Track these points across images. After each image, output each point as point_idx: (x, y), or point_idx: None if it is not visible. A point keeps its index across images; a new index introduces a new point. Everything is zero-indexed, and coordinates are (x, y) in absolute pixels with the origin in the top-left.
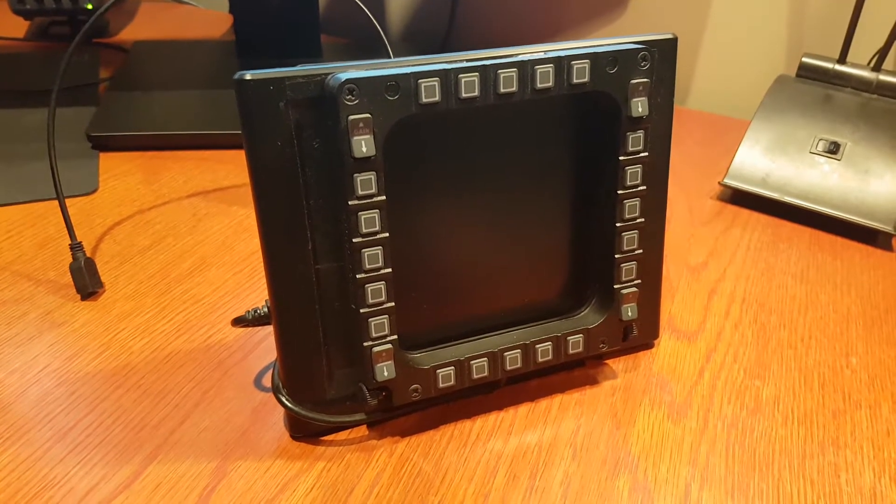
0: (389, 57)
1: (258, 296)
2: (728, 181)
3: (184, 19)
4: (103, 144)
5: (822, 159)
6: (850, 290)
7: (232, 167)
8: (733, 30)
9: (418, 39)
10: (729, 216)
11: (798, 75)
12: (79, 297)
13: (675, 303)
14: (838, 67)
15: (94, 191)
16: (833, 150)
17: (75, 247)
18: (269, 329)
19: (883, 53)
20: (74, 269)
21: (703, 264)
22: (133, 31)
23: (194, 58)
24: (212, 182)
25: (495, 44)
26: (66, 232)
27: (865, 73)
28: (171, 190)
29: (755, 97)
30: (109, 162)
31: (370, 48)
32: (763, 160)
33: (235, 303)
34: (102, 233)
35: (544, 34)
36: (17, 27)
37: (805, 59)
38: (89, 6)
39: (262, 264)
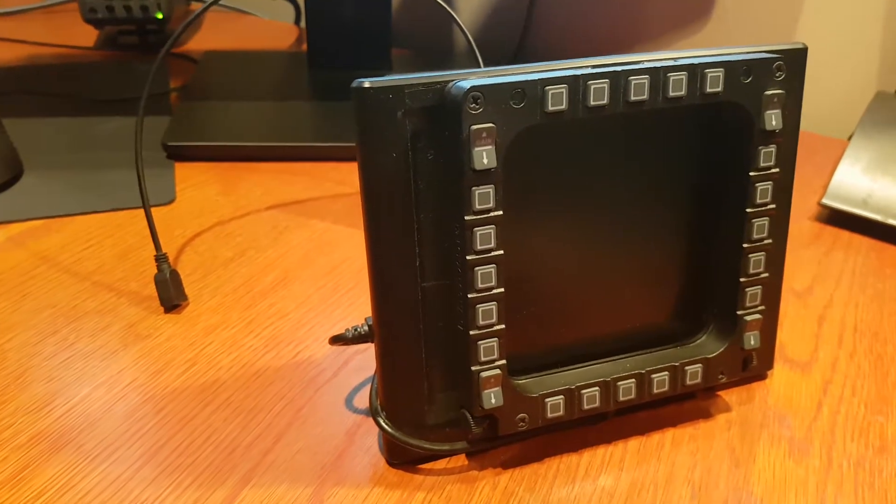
0: (479, 65)
1: (342, 312)
2: (827, 201)
3: (248, 30)
4: (179, 154)
5: None
6: None
7: (307, 179)
8: (822, 45)
9: (489, 49)
10: (829, 238)
11: None
12: (162, 309)
13: (784, 330)
14: None
15: (172, 201)
16: None
17: (160, 258)
18: (358, 347)
19: None
20: (160, 281)
21: (809, 289)
22: (199, 41)
23: (264, 68)
24: (289, 194)
25: (570, 55)
26: (146, 242)
27: None
28: (249, 202)
29: (844, 116)
30: (185, 172)
31: (438, 59)
32: (864, 180)
33: (321, 319)
34: (183, 244)
35: (621, 45)
36: (87, 36)
37: None
38: (159, 15)
39: (345, 279)
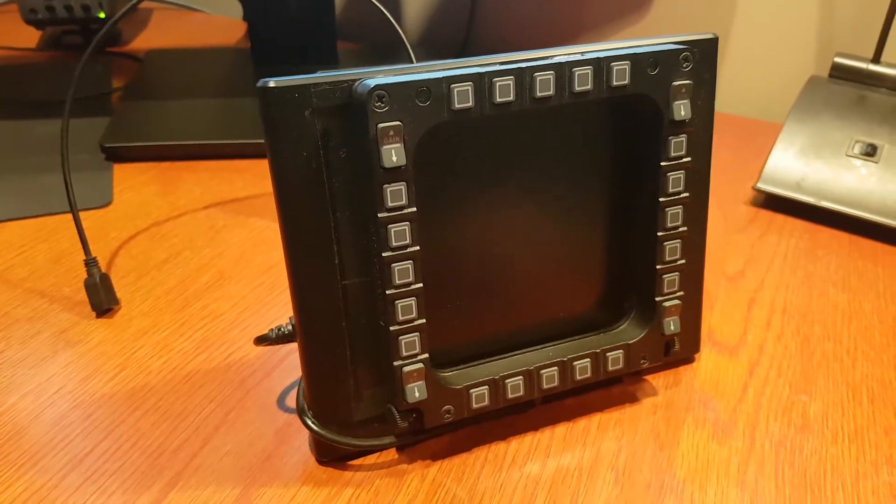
0: (412, 62)
1: (278, 311)
2: (762, 185)
3: (197, 27)
4: (118, 155)
5: (859, 162)
6: (895, 297)
7: (249, 177)
8: (760, 30)
9: (436, 44)
10: (764, 222)
11: (831, 76)
12: (94, 314)
13: (714, 314)
14: (872, 67)
15: (109, 203)
16: (870, 152)
17: (90, 262)
18: (293, 346)
19: None
20: (89, 286)
21: (741, 273)
22: (146, 40)
23: (209, 66)
24: (229, 193)
25: (515, 48)
26: (81, 246)
27: None
28: (187, 201)
29: (784, 99)
30: (124, 173)
31: (387, 53)
32: (797, 163)
33: (256, 318)
34: (118, 247)
35: (565, 36)
36: (29, 37)
37: (838, 60)
38: (101, 15)
39: (282, 278)
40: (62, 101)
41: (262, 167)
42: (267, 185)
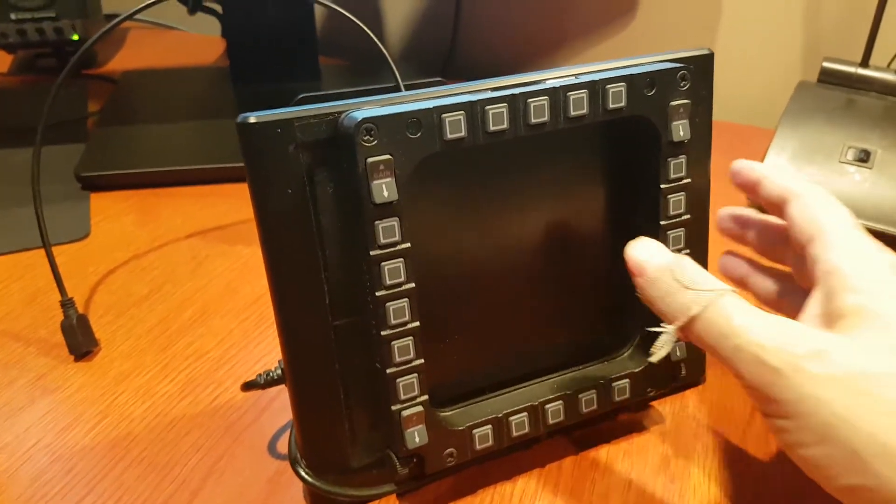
0: (397, 81)
1: (266, 346)
2: None
3: (175, 46)
4: (94, 184)
5: (853, 168)
6: None
7: (233, 202)
8: (746, 36)
9: (421, 54)
10: None
11: (819, 80)
12: (72, 357)
13: None
14: (861, 71)
15: (86, 236)
16: (863, 158)
17: (66, 303)
18: (283, 386)
19: None
20: (66, 328)
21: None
22: (122, 61)
23: (187, 86)
24: (212, 220)
25: (500, 61)
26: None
27: (890, 77)
28: (167, 230)
29: (772, 104)
30: (101, 202)
31: (371, 69)
32: (790, 170)
33: (243, 355)
34: (96, 282)
35: (549, 48)
36: (1, 62)
37: (826, 64)
38: (75, 37)
39: (269, 309)
40: (35, 127)
41: (246, 191)
42: (252, 210)
